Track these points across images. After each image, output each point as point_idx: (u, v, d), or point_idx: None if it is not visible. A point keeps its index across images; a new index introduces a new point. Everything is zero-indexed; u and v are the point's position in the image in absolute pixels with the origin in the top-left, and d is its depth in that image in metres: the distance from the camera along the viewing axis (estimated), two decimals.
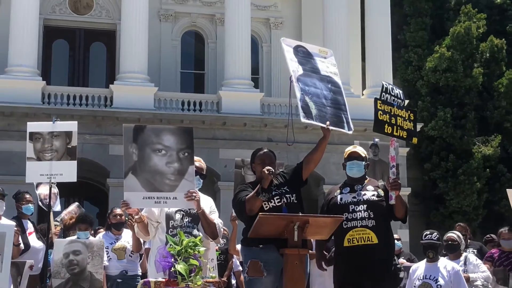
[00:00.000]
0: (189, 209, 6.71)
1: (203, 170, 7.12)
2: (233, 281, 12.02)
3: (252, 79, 26.67)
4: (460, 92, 29.40)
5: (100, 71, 28.31)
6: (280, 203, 6.52)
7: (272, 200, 6.52)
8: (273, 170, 6.42)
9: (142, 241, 8.80)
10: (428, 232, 8.00)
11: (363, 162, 6.98)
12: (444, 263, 7.80)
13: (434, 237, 7.86)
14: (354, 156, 6.98)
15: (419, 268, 7.92)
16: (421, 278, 7.72)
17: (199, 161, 7.03)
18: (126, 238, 9.68)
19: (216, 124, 25.60)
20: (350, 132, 7.14)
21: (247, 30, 26.18)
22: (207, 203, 6.91)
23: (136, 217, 6.69)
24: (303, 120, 6.72)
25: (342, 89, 7.27)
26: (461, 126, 29.09)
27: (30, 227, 9.57)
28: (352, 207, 6.77)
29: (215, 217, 6.93)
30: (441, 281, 7.59)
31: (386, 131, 6.90)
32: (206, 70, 28.85)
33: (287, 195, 6.58)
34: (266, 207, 6.47)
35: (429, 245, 7.86)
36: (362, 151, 7.04)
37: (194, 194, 6.45)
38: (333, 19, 26.48)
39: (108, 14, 28.03)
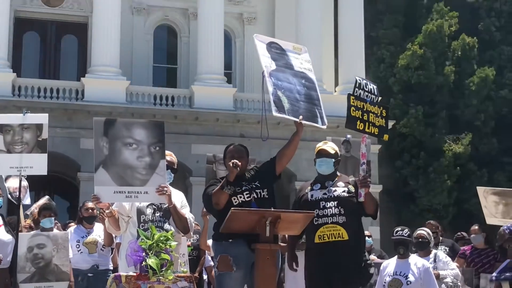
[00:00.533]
0: (160, 204, 6.70)
1: (174, 164, 7.11)
2: (205, 277, 12.03)
3: (225, 74, 26.67)
4: (432, 90, 29.64)
5: (72, 64, 28.10)
6: (249, 198, 6.53)
7: (241, 195, 6.52)
8: (239, 164, 6.42)
9: (113, 236, 8.77)
10: (399, 229, 8.06)
11: (333, 159, 6.98)
12: (415, 260, 7.87)
13: (405, 234, 7.92)
14: (323, 153, 6.99)
15: (390, 264, 7.98)
16: (392, 274, 7.78)
17: (170, 155, 7.01)
18: (97, 232, 9.64)
19: (189, 119, 25.56)
20: (324, 127, 7.14)
21: (220, 25, 26.15)
22: (178, 198, 6.90)
23: (107, 211, 6.68)
24: (275, 114, 6.71)
25: (316, 85, 7.26)
26: (432, 124, 29.34)
27: None
28: (322, 203, 6.79)
29: (186, 211, 6.92)
30: (411, 278, 7.65)
31: (358, 127, 6.93)
32: (178, 65, 28.77)
33: (257, 190, 6.58)
34: (236, 201, 6.47)
35: (400, 241, 7.91)
36: (332, 148, 7.04)
37: (165, 188, 6.44)
38: (306, 15, 26.55)
39: (80, 6, 27.81)
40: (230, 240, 6.35)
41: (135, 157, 6.48)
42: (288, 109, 6.82)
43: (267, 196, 6.61)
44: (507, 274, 6.71)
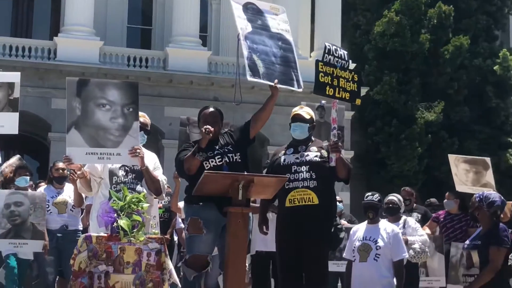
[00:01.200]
0: (133, 166, 6.68)
1: (147, 125, 7.08)
2: (176, 238, 12.07)
3: (200, 37, 26.50)
4: (407, 58, 29.70)
5: (44, 22, 27.75)
6: (221, 162, 6.53)
7: (213, 160, 6.51)
8: (212, 130, 6.40)
9: (83, 197, 8.74)
10: (369, 194, 8.13)
11: (307, 124, 6.99)
12: (384, 225, 7.95)
13: (375, 199, 7.99)
14: (298, 118, 7.00)
15: (359, 229, 8.06)
16: (361, 239, 7.85)
17: (143, 117, 6.98)
18: (67, 192, 9.60)
19: (162, 81, 25.43)
20: (300, 90, 7.11)
21: None
22: (151, 160, 6.89)
23: (79, 172, 6.65)
24: (250, 78, 6.67)
25: (293, 47, 7.20)
26: (405, 91, 29.45)
27: None
28: (294, 167, 6.81)
29: (159, 173, 6.92)
30: (380, 243, 7.73)
31: (327, 93, 6.93)
32: (153, 26, 28.53)
33: (230, 154, 6.58)
34: (207, 166, 6.47)
35: (370, 205, 7.98)
36: (307, 112, 7.06)
37: (138, 150, 6.42)
38: None
39: None
40: (201, 203, 6.36)
41: (108, 118, 6.43)
42: (263, 73, 6.77)
43: (239, 160, 6.61)
44: (477, 242, 6.81)
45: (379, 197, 8.05)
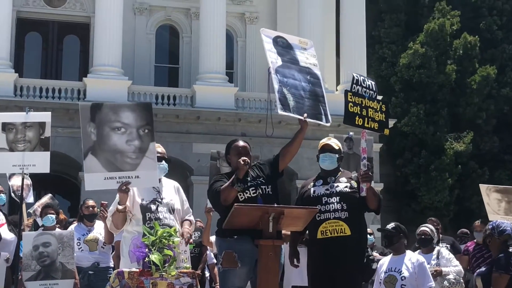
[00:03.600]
0: (162, 199, 6.68)
1: (165, 154, 7.05)
2: (207, 274, 12.02)
3: (227, 74, 26.66)
4: (433, 89, 29.62)
5: (74, 64, 28.11)
6: (255, 194, 6.50)
7: (247, 191, 6.49)
8: (249, 161, 6.40)
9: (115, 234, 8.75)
10: (388, 225, 8.10)
11: (336, 155, 6.97)
12: (410, 256, 7.83)
13: (390, 227, 7.93)
14: (327, 148, 6.98)
15: (385, 262, 7.99)
16: (386, 271, 7.78)
17: (159, 147, 6.95)
18: (98, 229, 9.63)
19: (190, 118, 25.55)
20: (328, 124, 7.11)
21: (222, 25, 26.15)
22: (173, 190, 6.88)
23: (121, 207, 6.53)
24: (281, 112, 6.67)
25: (321, 81, 7.23)
26: (433, 122, 29.32)
27: (1, 218, 9.48)
28: (325, 199, 6.77)
29: (187, 207, 6.95)
30: (405, 273, 7.61)
31: (357, 123, 6.90)
32: (180, 64, 28.78)
33: (263, 186, 6.56)
34: (241, 198, 6.44)
35: (384, 234, 7.94)
36: (335, 143, 7.04)
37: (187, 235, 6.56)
38: (308, 14, 26.54)
39: (82, 6, 27.83)
40: (235, 237, 6.33)
41: (124, 141, 6.37)
42: (293, 106, 6.78)
43: (271, 193, 6.60)
44: (481, 269, 6.79)
45: (394, 225, 7.96)
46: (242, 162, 6.34)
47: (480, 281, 6.73)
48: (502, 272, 6.55)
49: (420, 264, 7.66)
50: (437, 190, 28.27)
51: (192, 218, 7.01)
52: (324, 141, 7.07)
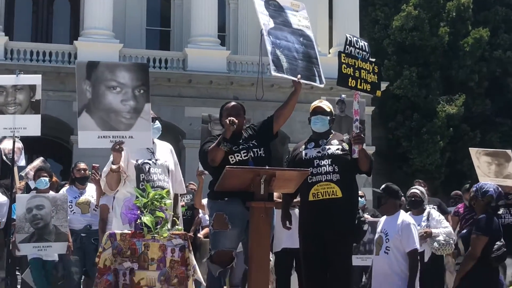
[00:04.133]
0: (156, 160, 6.71)
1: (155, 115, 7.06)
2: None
3: (219, 37, 26.49)
4: (426, 51, 29.54)
5: (64, 27, 27.90)
6: (246, 157, 6.51)
7: (238, 154, 6.50)
8: (235, 121, 6.39)
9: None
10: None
11: (328, 117, 6.97)
12: (401, 217, 7.83)
13: (381, 188, 7.99)
14: (318, 110, 6.98)
15: (380, 222, 8.07)
16: (379, 231, 7.85)
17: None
18: (90, 192, 9.65)
19: (182, 81, 25.47)
20: (322, 85, 7.11)
21: None
22: (168, 151, 6.90)
23: (115, 167, 6.55)
24: (274, 73, 6.66)
25: (314, 43, 7.22)
26: (426, 85, 29.30)
27: None
28: (317, 161, 6.78)
29: (179, 172, 6.99)
30: (390, 234, 7.65)
31: (350, 84, 6.90)
32: (172, 27, 28.57)
33: (255, 149, 6.56)
34: (233, 160, 6.45)
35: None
36: (327, 106, 7.04)
37: None
38: None
39: None
40: (226, 199, 6.35)
41: (119, 101, 6.41)
42: (287, 68, 6.77)
43: (264, 155, 6.60)
44: (463, 231, 6.85)
45: (383, 186, 7.97)
46: (228, 122, 6.34)
47: (461, 243, 6.78)
48: (479, 234, 6.57)
49: (406, 225, 7.60)
50: (429, 153, 28.36)
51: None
52: (316, 103, 7.07)
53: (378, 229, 7.87)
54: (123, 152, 6.53)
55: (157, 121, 6.89)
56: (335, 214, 6.66)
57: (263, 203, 6.02)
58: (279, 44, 6.82)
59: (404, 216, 7.86)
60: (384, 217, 8.09)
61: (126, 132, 6.41)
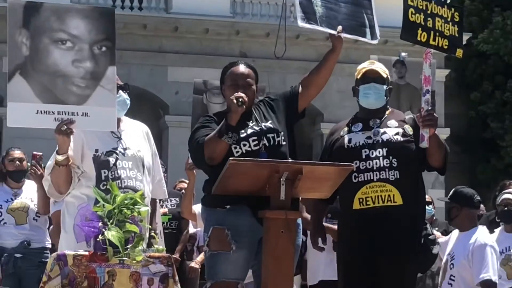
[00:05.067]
0: (125, 150, 6.74)
1: (119, 81, 7.06)
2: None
3: None
4: None
5: None
6: (257, 147, 6.50)
7: (246, 142, 6.49)
8: (245, 99, 6.40)
9: (52, 200, 8.81)
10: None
11: (384, 86, 7.00)
12: (476, 235, 7.91)
13: (449, 195, 8.07)
14: (371, 76, 6.98)
15: (451, 241, 8.14)
16: (447, 254, 7.94)
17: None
18: (28, 193, 9.71)
19: (164, 29, 25.56)
20: (375, 42, 7.16)
21: None
22: (142, 136, 6.97)
23: (61, 158, 6.57)
24: (301, 24, 6.69)
25: None
26: None
27: None
28: (366, 151, 6.81)
29: (159, 165, 7.03)
30: (456, 258, 7.75)
31: (419, 38, 6.90)
32: None
33: (270, 135, 6.55)
34: (237, 152, 6.44)
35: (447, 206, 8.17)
36: (382, 70, 7.06)
37: None
38: None
39: None
40: (228, 206, 6.38)
41: (69, 61, 6.39)
42: (322, 15, 6.79)
43: (284, 143, 6.61)
44: None
45: (452, 193, 8.08)
46: (235, 101, 6.34)
47: None
48: None
49: (479, 247, 7.73)
50: None
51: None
52: (366, 66, 7.09)
53: (447, 251, 7.94)
54: (73, 137, 6.54)
55: (121, 92, 6.89)
56: (392, 230, 6.68)
57: (284, 212, 6.06)
58: None
59: (480, 234, 7.92)
60: (456, 233, 8.15)
61: (79, 107, 6.41)
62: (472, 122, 29.86)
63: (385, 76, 7.05)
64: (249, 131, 6.52)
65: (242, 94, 6.39)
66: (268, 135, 6.57)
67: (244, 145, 6.48)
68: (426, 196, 8.86)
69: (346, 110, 7.48)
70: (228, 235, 6.36)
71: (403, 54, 10.63)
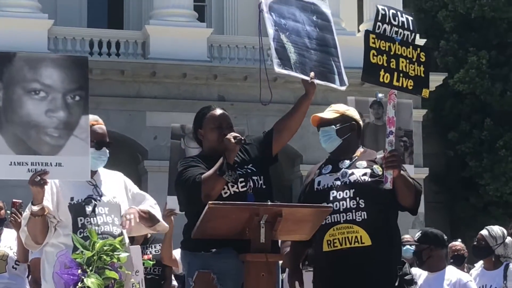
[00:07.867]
0: (100, 197, 6.71)
1: (105, 136, 7.05)
2: None
3: (196, 9, 26.62)
4: (501, 28, 29.70)
5: None
6: (245, 188, 6.54)
7: (234, 184, 6.53)
8: (242, 137, 6.43)
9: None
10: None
11: (333, 126, 6.96)
12: (450, 274, 7.93)
13: (416, 237, 8.11)
14: (317, 122, 7.02)
15: (419, 280, 8.15)
16: None
17: (97, 122, 6.94)
18: (7, 241, 9.67)
19: (142, 75, 25.58)
20: (343, 88, 7.17)
21: None
22: (118, 182, 6.94)
23: (36, 208, 6.53)
24: (278, 69, 6.70)
25: (332, 23, 7.28)
26: (501, 78, 29.42)
27: None
28: (333, 193, 6.75)
29: (147, 200, 6.99)
30: None
31: (382, 79, 6.82)
32: None
33: (254, 177, 6.60)
34: (226, 193, 6.47)
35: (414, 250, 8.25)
36: (334, 111, 7.03)
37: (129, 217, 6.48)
38: None
39: None
40: (213, 250, 6.38)
41: (43, 111, 6.36)
42: (296, 61, 6.84)
43: (264, 187, 6.64)
44: None
45: (420, 235, 8.14)
46: (233, 140, 6.36)
47: None
48: None
49: (464, 285, 7.78)
50: (508, 177, 28.43)
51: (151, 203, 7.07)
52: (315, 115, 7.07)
53: None
54: (47, 187, 6.51)
55: (105, 148, 6.88)
56: (362, 272, 6.62)
57: (264, 255, 6.05)
58: (284, 26, 6.88)
59: (453, 273, 7.97)
60: (425, 275, 8.17)
61: (53, 157, 6.38)
62: (451, 162, 29.93)
63: (332, 117, 7.00)
64: (237, 173, 6.55)
65: (238, 134, 6.44)
66: (253, 177, 6.60)
67: (232, 186, 6.51)
68: (407, 236, 8.89)
69: (325, 152, 7.46)
70: (214, 279, 6.35)
71: (380, 95, 10.62)
